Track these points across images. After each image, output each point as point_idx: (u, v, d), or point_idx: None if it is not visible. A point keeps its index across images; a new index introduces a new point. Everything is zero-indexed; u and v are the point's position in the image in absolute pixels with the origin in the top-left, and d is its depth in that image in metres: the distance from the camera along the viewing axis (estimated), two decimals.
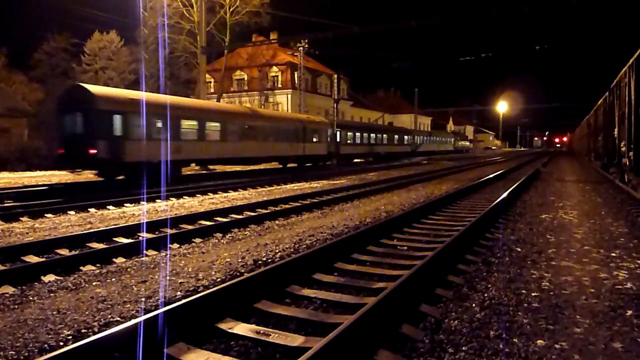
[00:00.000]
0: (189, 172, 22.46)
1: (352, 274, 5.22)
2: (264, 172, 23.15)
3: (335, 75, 31.34)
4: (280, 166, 26.70)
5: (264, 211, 9.87)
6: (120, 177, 15.55)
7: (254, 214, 9.45)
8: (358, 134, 35.14)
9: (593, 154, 26.19)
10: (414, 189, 14.53)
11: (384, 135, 40.86)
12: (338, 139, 30.75)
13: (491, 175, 17.88)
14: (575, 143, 58.40)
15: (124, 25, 48.18)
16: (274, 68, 48.97)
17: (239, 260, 5.73)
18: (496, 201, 9.69)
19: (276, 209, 10.17)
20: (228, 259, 5.78)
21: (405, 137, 46.74)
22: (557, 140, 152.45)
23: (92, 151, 14.17)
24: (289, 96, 47.21)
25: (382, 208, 10.20)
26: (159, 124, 16.43)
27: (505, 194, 10.91)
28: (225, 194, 13.54)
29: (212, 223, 8.28)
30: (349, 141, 33.20)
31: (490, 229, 7.53)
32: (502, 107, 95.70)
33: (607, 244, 6.58)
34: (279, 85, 48.61)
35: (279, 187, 15.93)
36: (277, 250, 6.20)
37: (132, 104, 15.40)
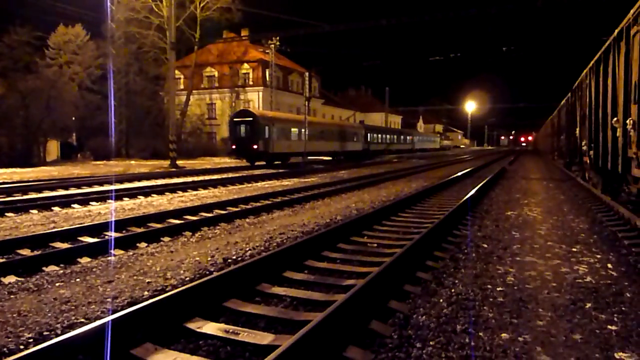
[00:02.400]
0: (160, 170, 22.09)
1: (322, 272, 5.24)
2: (231, 170, 23.00)
3: (307, 73, 31.28)
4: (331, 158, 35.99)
5: (235, 209, 9.78)
6: (261, 163, 27.30)
7: (224, 212, 9.36)
8: (380, 135, 47.90)
9: (556, 153, 27.02)
10: (385, 187, 14.68)
11: (395, 136, 53.56)
12: (369, 139, 42.97)
13: (460, 173, 18.22)
14: (540, 142, 60.11)
15: (90, 19, 46.90)
16: (245, 65, 48.58)
17: (209, 259, 5.67)
18: (464, 198, 9.88)
19: (247, 207, 10.10)
20: (197, 258, 5.71)
21: (408, 137, 59.77)
22: (522, 139, 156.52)
23: (255, 146, 26.30)
24: (260, 94, 46.93)
25: (352, 206, 10.27)
26: (283, 131, 28.88)
27: (473, 191, 11.14)
28: (195, 192, 13.37)
29: (182, 221, 8.16)
30: (374, 141, 45.32)
31: (458, 226, 7.67)
32: (470, 106, 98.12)
33: (568, 239, 6.81)
34: (250, 83, 48.26)
35: (250, 185, 15.83)
36: (247, 249, 6.16)
37: (272, 119, 27.88)
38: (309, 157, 30.67)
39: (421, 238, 5.94)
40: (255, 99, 47.34)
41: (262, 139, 26.56)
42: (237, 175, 19.54)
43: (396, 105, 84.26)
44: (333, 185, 14.89)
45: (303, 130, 29.60)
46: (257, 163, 27.44)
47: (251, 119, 26.84)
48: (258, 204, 10.48)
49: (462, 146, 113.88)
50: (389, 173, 20.57)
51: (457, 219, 8.06)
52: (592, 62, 10.96)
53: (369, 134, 43.40)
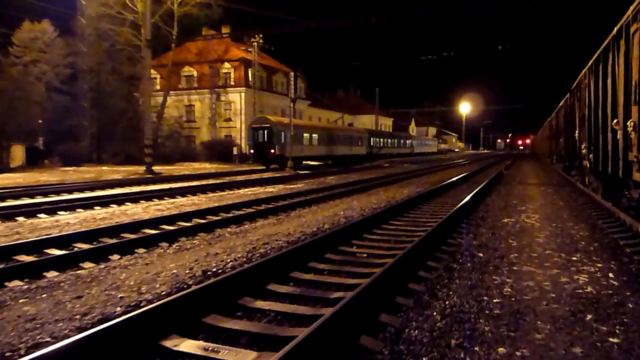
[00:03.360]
0: (134, 177, 21.92)
1: (308, 284, 5.23)
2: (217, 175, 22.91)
3: (292, 73, 31.33)
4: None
5: (215, 218, 9.73)
6: (274, 166, 30.75)
7: (203, 221, 9.30)
8: (383, 140, 52.77)
9: (555, 157, 27.39)
10: (375, 193, 14.73)
11: (396, 140, 58.55)
12: (372, 143, 47.63)
13: (454, 179, 18.36)
14: (538, 145, 60.88)
15: (59, 14, 46.50)
16: (226, 64, 48.46)
17: (187, 271, 5.63)
18: (459, 205, 9.95)
19: (228, 215, 10.05)
20: (174, 270, 5.66)
21: (408, 141, 64.81)
22: (520, 142, 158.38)
23: (272, 151, 30.57)
24: (243, 95, 46.80)
25: (341, 213, 10.28)
26: (296, 136, 31.35)
27: (468, 198, 11.23)
28: (172, 200, 13.28)
29: (158, 231, 8.10)
30: (377, 145, 49.87)
31: (452, 234, 7.72)
32: (465, 108, 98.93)
33: (568, 247, 6.89)
34: (232, 83, 48.13)
35: (231, 192, 15.77)
36: (228, 260, 6.13)
37: (287, 125, 30.35)
38: (304, 162, 34.62)
39: (413, 247, 5.96)
40: (237, 100, 47.22)
41: (278, 144, 30.79)
42: (217, 181, 19.44)
43: (387, 107, 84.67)
44: (320, 192, 14.89)
45: (315, 135, 35.70)
46: (271, 166, 31.33)
47: (268, 125, 31.17)
48: (240, 212, 10.44)
49: (456, 150, 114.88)
50: (380, 179, 20.65)
51: (451, 227, 8.11)
52: (591, 62, 11.15)
53: (372, 139, 48.03)
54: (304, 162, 34.22)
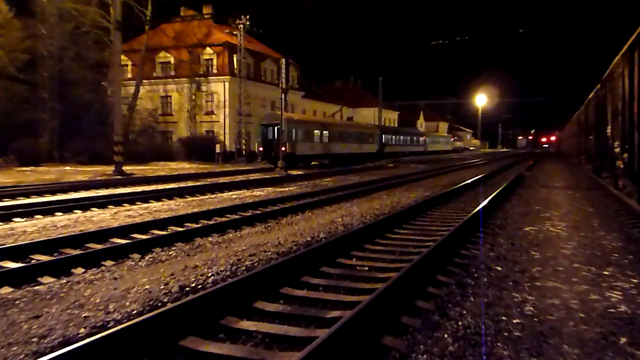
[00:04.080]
0: (102, 178, 21.85)
1: (301, 301, 5.22)
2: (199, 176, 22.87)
3: (284, 60, 31.38)
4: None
5: (194, 226, 9.71)
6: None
7: (181, 229, 9.27)
8: (394, 137, 55.77)
9: (584, 156, 27.51)
10: (377, 198, 14.74)
11: (408, 137, 61.32)
12: (383, 140, 50.77)
13: (469, 181, 18.40)
14: (564, 143, 61.15)
15: None
16: (208, 50, 48.48)
17: (162, 287, 5.61)
18: (473, 211, 9.97)
19: (209, 222, 10.02)
20: (147, 286, 5.64)
21: (420, 138, 67.48)
22: (544, 139, 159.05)
23: (282, 149, 31.62)
24: (227, 84, 46.83)
25: (339, 220, 10.27)
26: (307, 133, 35.58)
27: (484, 203, 11.25)
28: (145, 205, 13.24)
29: (128, 241, 8.07)
30: (389, 142, 52.83)
31: (466, 245, 7.73)
32: (480, 100, 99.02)
33: (598, 260, 6.91)
34: (214, 71, 48.17)
35: (213, 196, 15.75)
36: (209, 274, 6.11)
37: (297, 121, 34.80)
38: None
39: (421, 260, 5.96)
40: (220, 91, 47.24)
41: (289, 142, 32.99)
42: (197, 184, 19.41)
43: (392, 99, 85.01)
44: (315, 196, 14.89)
45: (325, 132, 38.44)
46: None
47: (279, 122, 32.78)
48: (223, 219, 10.42)
49: (471, 148, 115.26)
50: (383, 181, 20.66)
51: (465, 237, 8.12)
52: (625, 48, 11.19)
53: (383, 136, 51.29)
54: (312, 161, 36.52)
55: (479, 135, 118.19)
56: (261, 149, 34.11)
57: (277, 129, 32.95)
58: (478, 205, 10.93)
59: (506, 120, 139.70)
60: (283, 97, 30.60)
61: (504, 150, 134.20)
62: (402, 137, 58.99)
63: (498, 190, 14.34)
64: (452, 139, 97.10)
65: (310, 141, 36.35)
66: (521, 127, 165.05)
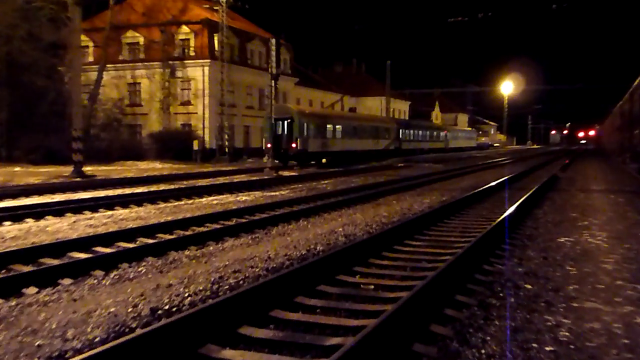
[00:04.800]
0: (58, 181, 21.80)
1: (295, 326, 5.22)
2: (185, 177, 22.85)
3: (274, 41, 31.39)
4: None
5: (168, 237, 9.70)
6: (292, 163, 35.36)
7: (152, 241, 9.28)
8: (412, 131, 57.40)
9: (629, 154, 27.58)
10: (385, 203, 14.75)
11: (427, 132, 63.10)
12: (400, 136, 52.34)
13: (493, 184, 18.44)
14: (605, 138, 61.31)
15: None
16: (184, 28, 48.45)
17: (130, 309, 5.61)
18: (499, 219, 9.99)
19: (186, 233, 10.02)
20: (113, 309, 5.64)
21: (441, 133, 69.12)
22: (581, 134, 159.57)
23: (293, 145, 34.32)
24: (207, 69, 46.75)
25: (339, 230, 10.28)
26: (319, 128, 37.48)
27: (511, 210, 11.27)
28: (110, 213, 13.23)
29: (90, 255, 8.06)
30: (406, 138, 54.41)
31: (489, 259, 7.74)
32: (507, 88, 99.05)
33: None
34: (192, 54, 48.12)
35: (191, 201, 15.74)
36: (186, 294, 6.11)
37: (309, 115, 36.86)
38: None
39: (437, 276, 5.97)
40: (198, 77, 47.15)
41: (301, 138, 34.84)
42: (172, 187, 19.40)
43: (401, 86, 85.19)
44: (312, 202, 14.89)
45: (338, 126, 40.41)
46: (290, 163, 34.97)
47: (289, 116, 34.96)
48: (203, 229, 10.42)
49: (495, 144, 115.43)
50: (391, 183, 20.68)
51: (488, 249, 8.14)
52: None
53: (401, 131, 53.13)
54: (323, 160, 37.69)
55: (505, 130, 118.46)
56: (269, 145, 34.90)
57: (288, 123, 34.42)
58: (504, 213, 10.94)
59: (537, 112, 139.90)
60: (273, 84, 30.57)
61: (535, 146, 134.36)
62: (420, 132, 60.39)
63: (527, 195, 14.36)
64: (476, 134, 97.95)
65: (323, 137, 37.68)
66: (554, 120, 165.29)
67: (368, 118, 52.46)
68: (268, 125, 34.95)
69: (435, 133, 66.71)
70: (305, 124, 35.38)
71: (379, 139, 47.36)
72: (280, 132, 35.20)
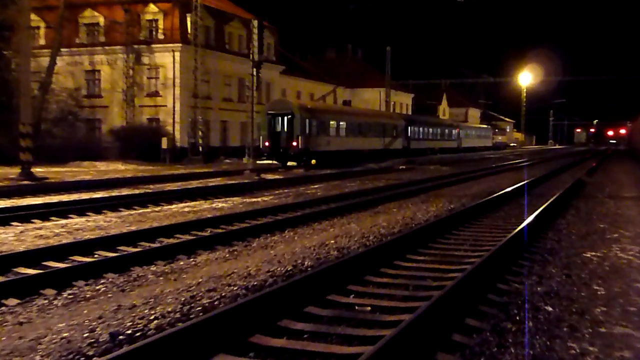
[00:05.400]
0: (2, 184, 21.68)
1: (279, 354, 5.21)
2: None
3: (256, 22, 31.40)
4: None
5: (132, 250, 9.67)
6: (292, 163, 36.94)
7: (113, 254, 9.24)
8: (422, 129, 59.38)
9: None
10: (385, 212, 14.76)
11: (439, 130, 65.04)
12: (409, 134, 54.21)
13: (509, 189, 18.48)
14: (638, 138, 61.61)
15: None
16: (152, 7, 48.37)
17: (85, 334, 5.58)
18: (515, 231, 10.01)
19: (152, 245, 9.99)
20: (66, 334, 5.61)
21: (454, 131, 70.50)
22: (610, 133, 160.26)
23: (294, 144, 35.69)
24: (177, 55, 46.64)
25: (331, 243, 10.27)
26: (322, 125, 39.34)
27: (529, 219, 11.29)
28: (63, 221, 13.17)
29: (40, 271, 8.02)
30: (416, 136, 56.13)
31: (505, 276, 7.75)
32: (525, 79, 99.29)
33: None
34: (160, 37, 48.07)
35: (158, 208, 15.68)
36: (152, 317, 6.09)
37: (312, 110, 38.71)
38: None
39: (444, 296, 5.97)
40: (168, 64, 47.00)
41: (302, 135, 36.10)
42: (137, 192, 19.34)
43: (404, 77, 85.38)
44: (299, 209, 14.89)
45: (342, 123, 41.91)
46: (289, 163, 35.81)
47: (289, 111, 36.34)
48: (172, 241, 10.40)
49: (512, 144, 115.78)
50: (392, 189, 20.71)
51: (503, 265, 8.14)
52: None
53: (409, 128, 54.94)
54: (312, 160, 37.51)
55: (523, 127, 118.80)
56: (267, 143, 36.21)
57: (288, 119, 35.56)
58: (521, 223, 10.97)
59: (559, 107, 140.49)
60: (255, 72, 30.55)
61: (557, 146, 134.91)
62: (431, 130, 61.71)
63: (549, 202, 14.41)
64: (492, 132, 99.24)
65: (326, 134, 38.99)
66: (580, 117, 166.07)
67: (373, 114, 53.61)
68: (265, 122, 36.28)
69: (447, 131, 67.79)
70: (307, 120, 36.45)
71: (385, 138, 48.52)
72: (279, 129, 36.35)
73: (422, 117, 69.77)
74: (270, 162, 36.83)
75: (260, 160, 37.19)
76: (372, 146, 45.75)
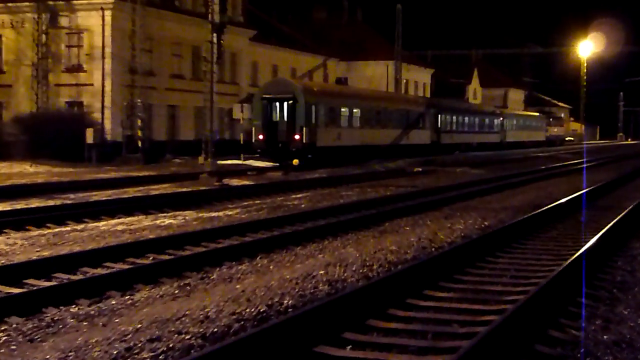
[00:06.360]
0: None
1: None
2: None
3: None
4: None
5: (43, 284, 9.65)
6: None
7: (18, 290, 9.24)
8: (457, 118, 60.89)
9: None
10: (393, 231, 14.75)
11: (476, 119, 66.41)
12: (439, 124, 55.72)
13: (562, 200, 18.50)
14: None
15: None
16: None
17: None
18: (572, 258, 10.01)
19: (73, 278, 9.96)
20: None
21: (495, 121, 72.63)
22: None
23: (296, 137, 36.24)
24: (108, 15, 46.57)
25: (320, 274, 10.23)
26: (331, 113, 40.81)
27: (591, 242, 11.30)
28: None
29: None
30: (447, 128, 57.79)
31: (558, 319, 7.76)
32: (585, 50, 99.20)
33: None
34: None
35: (80, 227, 15.60)
36: None
37: (319, 94, 39.70)
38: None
39: (475, 347, 5.97)
40: (95, 27, 46.88)
41: (307, 127, 35.58)
42: (51, 203, 19.28)
43: (420, 47, 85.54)
44: (276, 228, 14.85)
45: (356, 110, 41.78)
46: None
47: (291, 95, 35.79)
48: (100, 272, 10.39)
49: (568, 138, 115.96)
50: (402, 199, 20.75)
51: (556, 304, 8.16)
52: None
53: (439, 117, 55.19)
54: (338, 157, 38.27)
55: (582, 115, 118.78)
56: (261, 137, 36.53)
57: (289, 105, 36.09)
58: (581, 248, 10.98)
59: (634, 88, 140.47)
60: (215, 39, 30.59)
61: (629, 142, 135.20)
62: (467, 119, 62.47)
63: (618, 218, 14.42)
64: (545, 123, 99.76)
65: (336, 125, 39.83)
66: None
67: (394, 98, 54.23)
68: (259, 108, 36.81)
69: (487, 121, 68.67)
70: (313, 107, 36.73)
71: (409, 129, 49.48)
72: (276, 118, 36.96)
73: (457, 102, 70.22)
74: (267, 163, 36.83)
75: (252, 159, 37.81)
76: (392, 140, 46.49)
